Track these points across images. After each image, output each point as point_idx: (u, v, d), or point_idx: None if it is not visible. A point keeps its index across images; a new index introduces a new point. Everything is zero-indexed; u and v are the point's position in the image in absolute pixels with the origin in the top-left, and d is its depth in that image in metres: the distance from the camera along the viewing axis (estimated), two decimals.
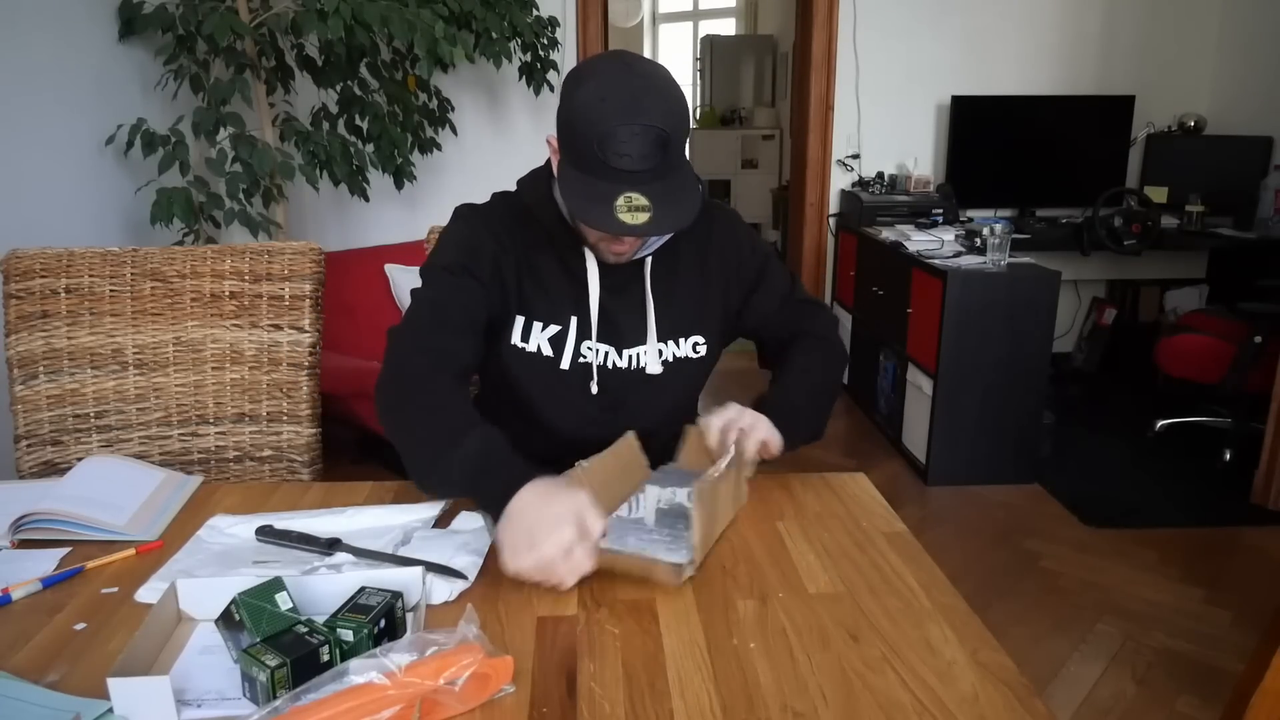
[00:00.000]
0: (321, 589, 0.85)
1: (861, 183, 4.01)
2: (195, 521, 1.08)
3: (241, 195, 2.65)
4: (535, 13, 3.19)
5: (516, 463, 0.98)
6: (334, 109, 3.15)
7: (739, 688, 0.77)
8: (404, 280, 3.38)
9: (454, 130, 3.49)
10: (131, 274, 1.39)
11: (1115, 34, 3.98)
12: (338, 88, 3.09)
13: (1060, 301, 2.97)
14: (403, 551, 0.98)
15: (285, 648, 0.74)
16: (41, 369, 1.37)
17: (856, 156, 4.05)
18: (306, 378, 1.41)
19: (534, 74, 3.34)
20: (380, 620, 0.79)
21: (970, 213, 3.85)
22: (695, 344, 1.26)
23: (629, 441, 1.13)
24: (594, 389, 1.21)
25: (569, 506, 0.91)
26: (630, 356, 1.22)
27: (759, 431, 1.11)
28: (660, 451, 1.18)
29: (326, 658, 0.75)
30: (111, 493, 1.10)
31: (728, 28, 7.95)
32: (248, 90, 2.71)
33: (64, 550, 1.02)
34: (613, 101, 1.01)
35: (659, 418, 1.23)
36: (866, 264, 3.67)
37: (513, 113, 3.85)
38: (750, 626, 0.87)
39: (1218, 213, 3.67)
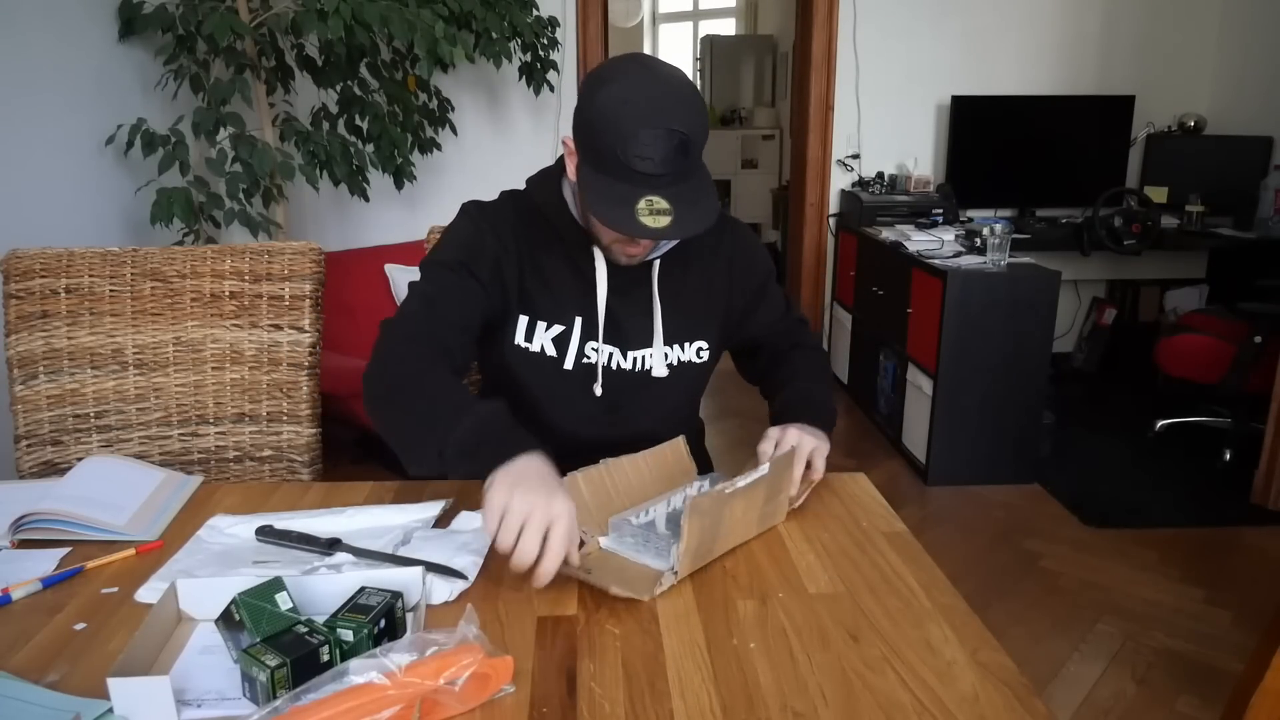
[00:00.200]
0: (321, 589, 0.85)
1: (861, 183, 4.01)
2: (195, 521, 1.08)
3: (241, 195, 2.65)
4: (535, 13, 3.19)
5: (526, 435, 0.95)
6: (334, 109, 3.15)
7: (739, 688, 0.77)
8: (404, 280, 3.37)
9: (454, 130, 3.49)
10: (131, 274, 1.39)
11: (1115, 34, 3.98)
12: (338, 88, 3.09)
13: (1060, 301, 2.97)
14: (403, 551, 0.98)
15: (285, 648, 0.74)
16: (41, 369, 1.37)
17: (856, 156, 4.05)
18: (306, 378, 1.41)
19: (534, 74, 3.34)
20: (380, 620, 0.79)
21: (970, 213, 3.85)
22: (699, 349, 1.27)
23: (675, 445, 1.12)
24: (598, 390, 1.21)
25: (567, 495, 0.90)
26: (635, 358, 1.23)
27: (805, 448, 1.10)
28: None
29: (326, 658, 0.75)
30: (111, 493, 1.10)
31: (728, 28, 7.95)
32: (248, 90, 2.71)
33: (64, 550, 1.01)
34: (636, 104, 1.01)
35: (660, 420, 1.23)
36: (866, 264, 3.67)
37: (513, 113, 3.85)
38: (750, 626, 0.87)
39: (1218, 213, 3.67)
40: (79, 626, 0.87)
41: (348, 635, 0.77)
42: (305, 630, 0.76)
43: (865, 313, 3.71)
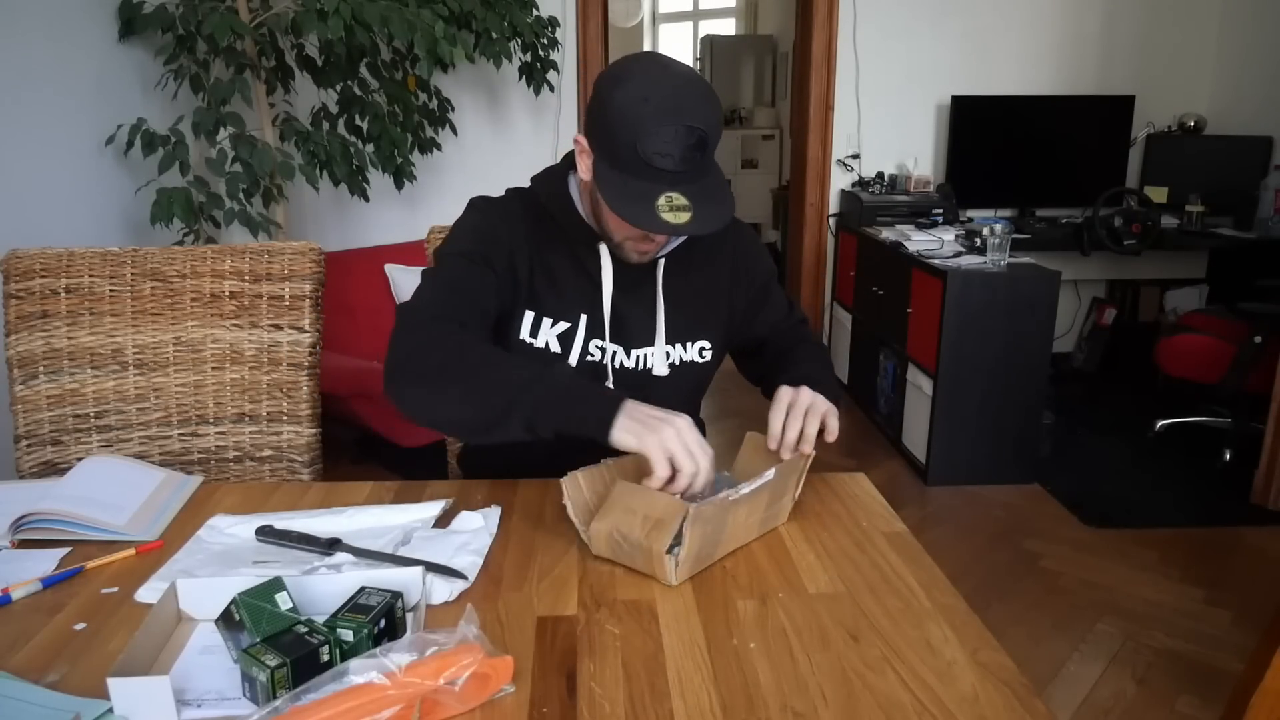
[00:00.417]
0: (321, 589, 0.85)
1: (861, 183, 4.01)
2: (195, 521, 1.08)
3: (241, 195, 2.65)
4: (535, 13, 3.19)
5: (602, 386, 1.00)
6: (334, 109, 3.15)
7: (739, 688, 0.77)
8: (404, 280, 3.38)
9: (454, 130, 3.49)
10: (131, 274, 1.39)
11: (1115, 34, 3.98)
12: (338, 88, 3.09)
13: (1060, 301, 2.97)
14: (403, 551, 0.98)
15: (285, 648, 0.74)
16: (41, 369, 1.37)
17: (856, 156, 4.05)
18: (306, 378, 1.41)
19: (534, 74, 3.34)
20: (380, 620, 0.79)
21: (970, 213, 3.85)
22: (702, 349, 1.27)
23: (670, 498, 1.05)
24: None
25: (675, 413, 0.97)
26: (638, 357, 1.23)
27: (819, 407, 1.09)
28: None
29: (326, 658, 0.75)
30: (111, 493, 1.10)
31: (728, 28, 7.96)
32: (248, 90, 2.71)
33: (64, 550, 1.01)
34: (655, 102, 1.01)
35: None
36: (866, 264, 3.67)
37: (513, 113, 3.85)
38: (750, 626, 0.87)
39: (1218, 213, 3.67)
40: (79, 626, 0.87)
41: (348, 635, 0.77)
42: (305, 630, 0.76)
43: (865, 313, 3.71)
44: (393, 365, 1.05)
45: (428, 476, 1.23)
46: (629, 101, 1.02)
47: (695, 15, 8.22)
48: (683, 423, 0.95)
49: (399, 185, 3.23)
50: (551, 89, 3.46)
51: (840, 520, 1.10)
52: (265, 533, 1.02)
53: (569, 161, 1.22)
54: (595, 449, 1.05)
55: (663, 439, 0.93)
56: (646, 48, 8.16)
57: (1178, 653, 2.09)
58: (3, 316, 1.36)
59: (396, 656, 0.72)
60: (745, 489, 0.96)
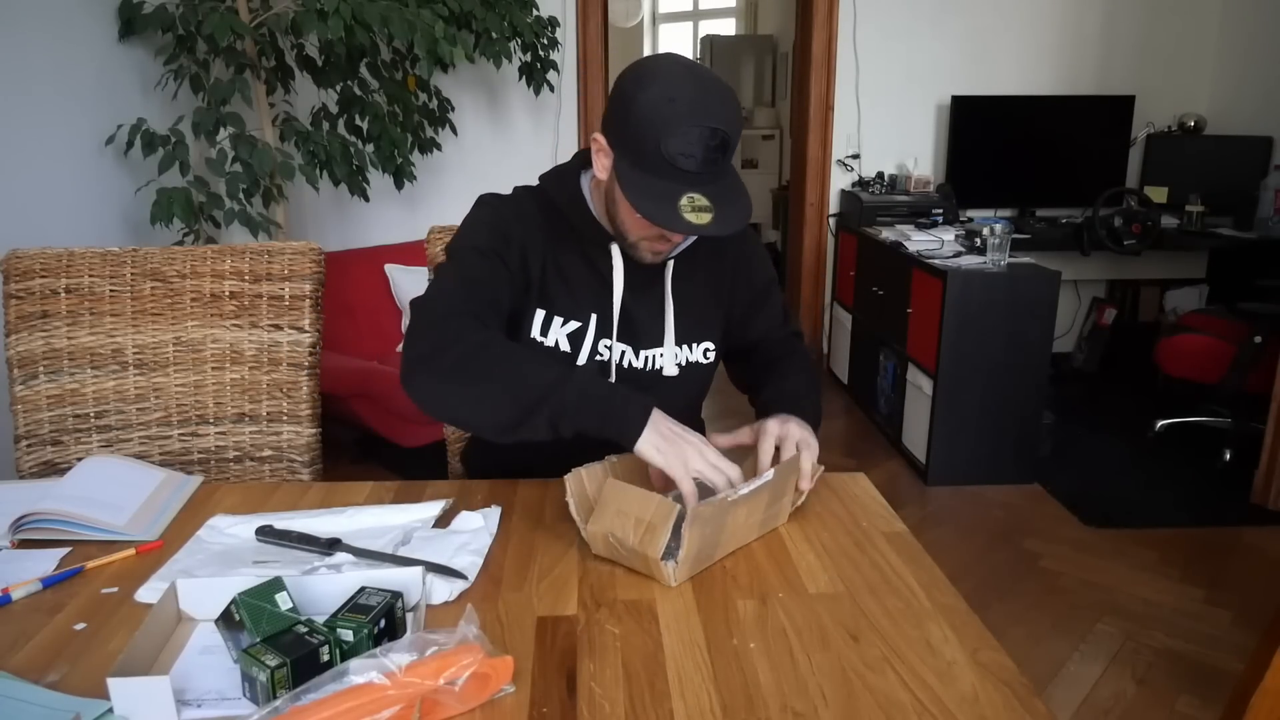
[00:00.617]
0: (321, 589, 0.85)
1: (861, 183, 4.01)
2: (195, 521, 1.08)
3: (241, 195, 2.65)
4: (535, 13, 3.19)
5: (627, 390, 1.01)
6: (334, 109, 3.15)
7: (739, 688, 0.77)
8: (404, 280, 3.38)
9: (454, 130, 3.49)
10: (131, 274, 1.39)
11: (1115, 34, 3.98)
12: (338, 88, 3.09)
13: (1060, 301, 2.97)
14: (403, 551, 0.98)
15: (285, 648, 0.74)
16: (41, 369, 1.37)
17: (856, 156, 4.05)
18: (306, 378, 1.41)
19: (534, 74, 3.34)
20: (380, 620, 0.79)
21: (970, 213, 3.85)
22: (706, 350, 1.28)
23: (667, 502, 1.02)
24: None
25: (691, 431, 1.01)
26: (647, 357, 1.23)
27: (812, 448, 1.10)
28: None
29: (326, 658, 0.75)
30: (111, 493, 1.10)
31: (728, 28, 7.95)
32: (248, 90, 2.71)
33: (64, 550, 1.01)
34: (681, 103, 1.02)
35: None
36: (866, 264, 3.67)
37: (513, 113, 3.85)
38: (750, 626, 0.87)
39: (1218, 213, 3.67)
40: (79, 626, 0.87)
41: (348, 635, 0.77)
42: (305, 630, 0.76)
43: (865, 313, 3.71)
44: (412, 359, 1.04)
45: (428, 476, 1.23)
46: (654, 102, 1.03)
47: (695, 15, 8.22)
48: (698, 439, 0.99)
49: (399, 185, 3.23)
50: (551, 89, 3.46)
51: (840, 520, 1.10)
52: (265, 533, 1.02)
53: (580, 161, 1.22)
54: (599, 448, 1.05)
55: (685, 458, 0.96)
56: (646, 47, 8.16)
57: (1178, 653, 2.09)
58: (3, 316, 1.36)
59: (396, 656, 0.72)
60: (744, 489, 0.96)
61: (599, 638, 0.84)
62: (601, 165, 1.12)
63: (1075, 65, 4.00)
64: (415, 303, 1.10)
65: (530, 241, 1.18)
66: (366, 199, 3.09)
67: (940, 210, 3.67)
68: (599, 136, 1.11)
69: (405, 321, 3.37)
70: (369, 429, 2.87)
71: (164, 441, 1.41)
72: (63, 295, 1.37)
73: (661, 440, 0.97)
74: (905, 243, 3.29)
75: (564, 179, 1.22)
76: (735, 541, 1.01)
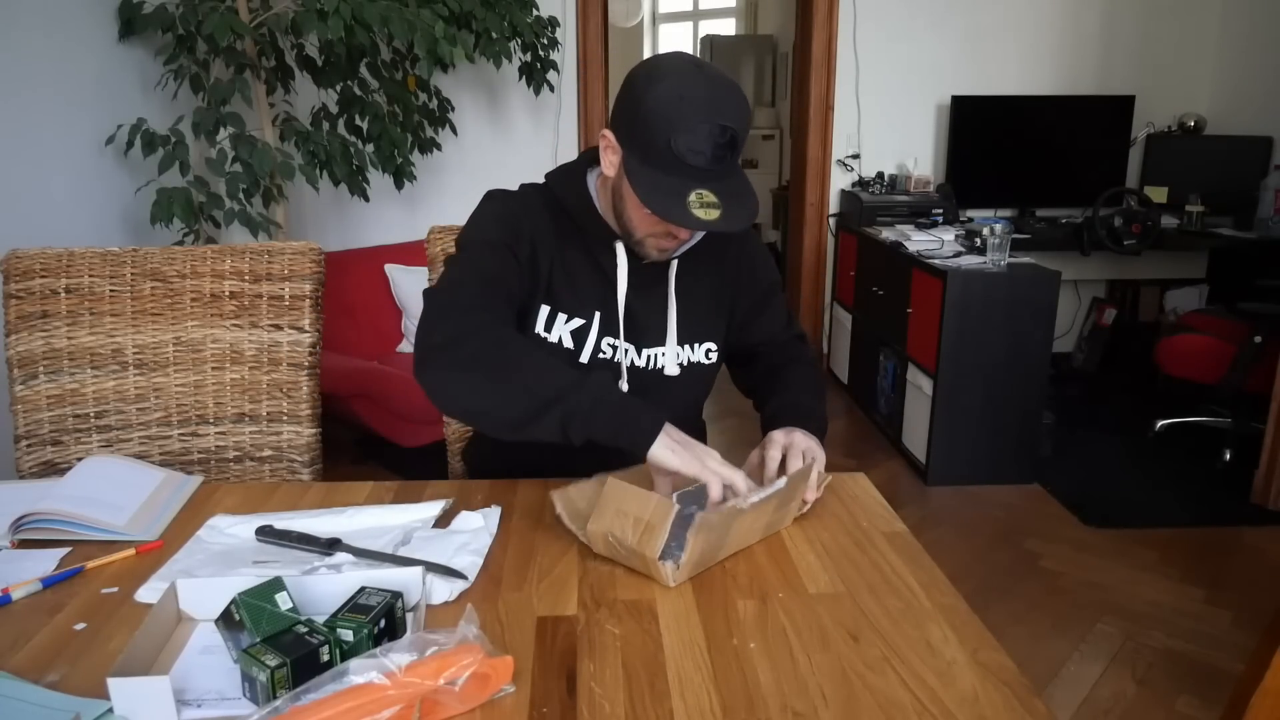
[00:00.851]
0: (321, 589, 0.85)
1: (861, 183, 4.01)
2: (195, 521, 1.08)
3: (241, 195, 2.65)
4: (535, 13, 3.19)
5: (642, 403, 1.02)
6: (334, 109, 3.15)
7: (739, 688, 0.77)
8: (404, 280, 3.38)
9: (454, 130, 3.49)
10: (131, 274, 1.39)
11: (1115, 34, 3.98)
12: (338, 88, 3.09)
13: (1060, 301, 2.97)
14: (403, 551, 0.98)
15: (285, 648, 0.74)
16: (41, 369, 1.37)
17: (856, 156, 4.05)
18: (306, 378, 1.41)
19: (534, 74, 3.34)
20: (380, 620, 0.79)
21: (970, 213, 3.85)
22: (708, 350, 1.28)
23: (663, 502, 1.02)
24: None
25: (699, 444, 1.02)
26: (649, 356, 1.23)
27: (819, 458, 1.12)
28: None
29: (326, 658, 0.75)
30: (111, 493, 1.10)
31: (728, 28, 7.95)
32: (248, 90, 2.71)
33: (64, 550, 1.01)
34: (691, 101, 1.02)
35: (668, 419, 1.23)
36: (866, 264, 3.67)
37: (513, 113, 3.85)
38: (750, 626, 0.87)
39: (1218, 213, 3.67)
40: (79, 626, 0.87)
41: (348, 635, 0.77)
42: (305, 630, 0.76)
43: (865, 313, 3.71)
44: (425, 350, 1.04)
45: (428, 476, 1.23)
46: (665, 98, 1.03)
47: (695, 15, 8.21)
48: (704, 450, 1.00)
49: (399, 185, 3.23)
50: (551, 89, 3.46)
51: (840, 520, 1.10)
52: (265, 533, 1.02)
53: (587, 159, 1.22)
54: (599, 448, 1.05)
55: (705, 463, 0.98)
56: (646, 47, 8.16)
57: (1178, 653, 2.09)
58: (3, 316, 1.36)
59: (396, 656, 0.72)
60: (755, 497, 0.97)
61: (599, 638, 0.84)
62: (610, 162, 1.12)
63: (1075, 65, 4.00)
64: (429, 293, 1.10)
65: (539, 236, 1.18)
66: (366, 199, 3.09)
67: (940, 210, 3.67)
68: (608, 133, 1.11)
69: (405, 322, 3.39)
70: (369, 429, 2.87)
71: (164, 441, 1.41)
72: (63, 295, 1.37)
73: (678, 445, 0.99)
74: (905, 243, 3.29)
75: (570, 177, 1.22)
76: (738, 545, 1.02)
